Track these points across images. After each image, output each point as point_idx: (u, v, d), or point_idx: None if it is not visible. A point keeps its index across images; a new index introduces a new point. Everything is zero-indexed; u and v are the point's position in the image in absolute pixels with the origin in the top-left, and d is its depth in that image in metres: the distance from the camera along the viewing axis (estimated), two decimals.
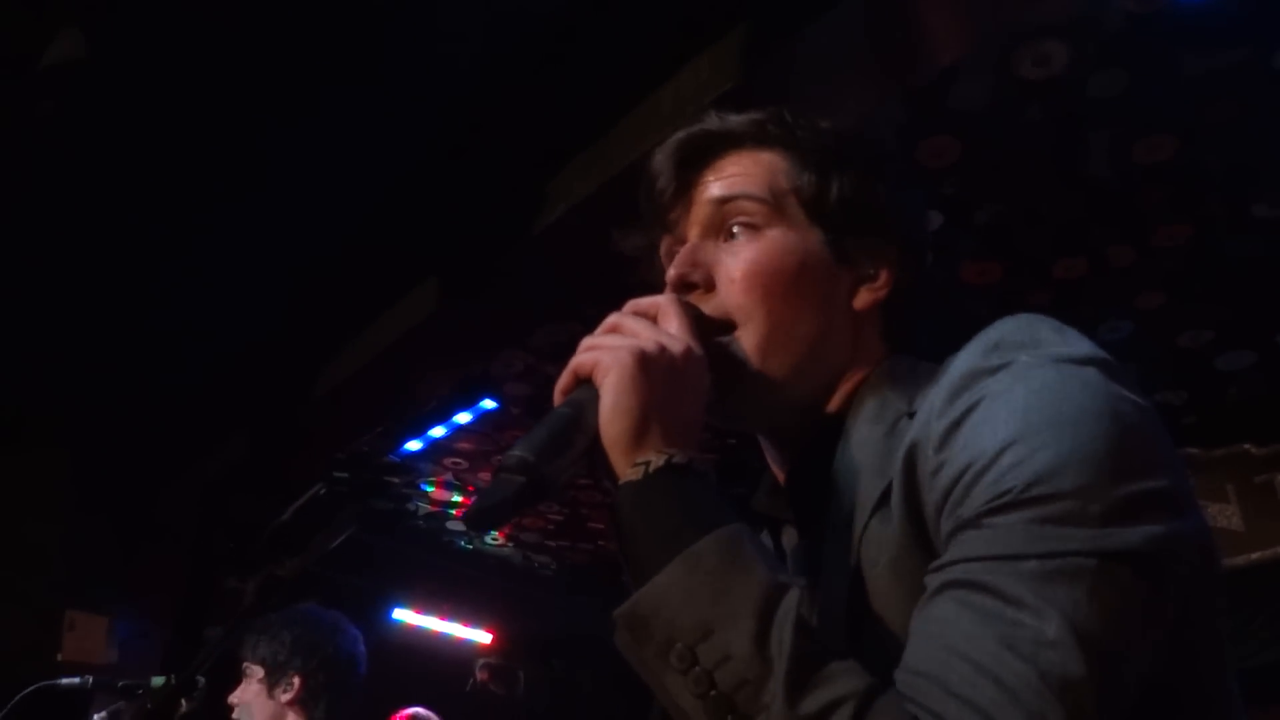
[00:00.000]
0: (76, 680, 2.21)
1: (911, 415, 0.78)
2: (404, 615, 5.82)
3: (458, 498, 5.29)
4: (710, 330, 0.85)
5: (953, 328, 0.90)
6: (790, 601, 0.64)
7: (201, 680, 1.37)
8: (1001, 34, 2.61)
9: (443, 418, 4.02)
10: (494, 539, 5.77)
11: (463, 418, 4.06)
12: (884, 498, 0.75)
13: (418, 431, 4.14)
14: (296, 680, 2.33)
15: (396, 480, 5.08)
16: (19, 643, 3.97)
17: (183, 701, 1.17)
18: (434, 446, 4.51)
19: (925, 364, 0.86)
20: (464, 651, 6.04)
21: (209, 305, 3.48)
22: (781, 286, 0.87)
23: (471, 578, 5.98)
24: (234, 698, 2.31)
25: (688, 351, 0.77)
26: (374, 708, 4.00)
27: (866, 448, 0.80)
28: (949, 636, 0.61)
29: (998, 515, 0.63)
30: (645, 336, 0.77)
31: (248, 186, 3.08)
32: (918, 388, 0.81)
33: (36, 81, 2.38)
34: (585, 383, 0.76)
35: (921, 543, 0.70)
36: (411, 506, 5.41)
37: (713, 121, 0.95)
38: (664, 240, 0.97)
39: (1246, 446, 3.99)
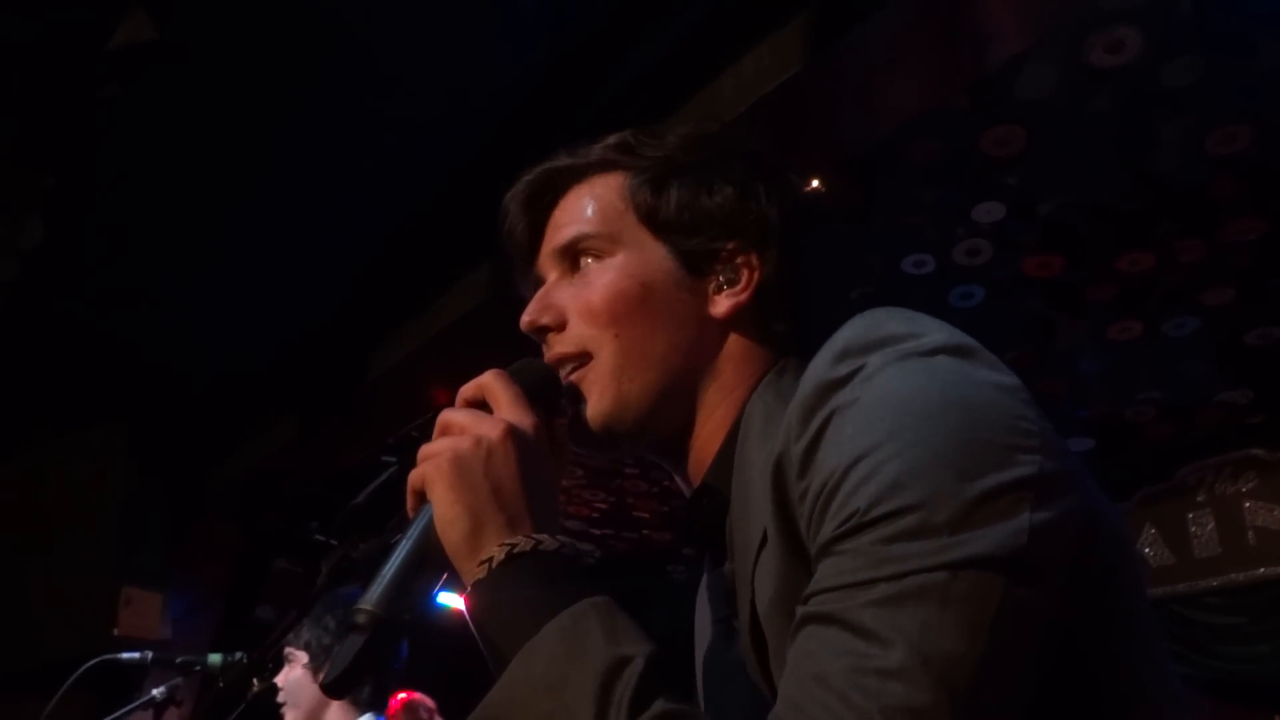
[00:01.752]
0: (136, 655, 2.24)
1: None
2: (449, 599, 5.87)
3: None
4: (553, 382, 0.84)
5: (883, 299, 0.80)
6: (631, 672, 0.61)
7: (269, 663, 1.37)
8: (1072, 20, 2.55)
9: None
10: None
11: None
12: (765, 536, 0.71)
13: None
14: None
15: None
16: (75, 615, 4.06)
17: (254, 681, 1.17)
18: None
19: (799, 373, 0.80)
20: None
21: (266, 287, 3.52)
22: (625, 309, 0.84)
23: None
24: (280, 681, 2.31)
25: (507, 432, 0.74)
26: (422, 691, 4.04)
27: (756, 469, 0.76)
28: (803, 674, 0.59)
29: (846, 540, 0.60)
30: (466, 433, 0.74)
31: (307, 170, 3.10)
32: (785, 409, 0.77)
33: (104, 63, 2.41)
34: (427, 501, 0.74)
35: (807, 573, 0.65)
36: None
37: (559, 160, 0.92)
38: (533, 283, 0.93)
39: None
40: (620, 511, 5.45)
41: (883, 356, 0.65)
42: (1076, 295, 3.48)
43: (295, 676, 2.30)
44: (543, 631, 0.64)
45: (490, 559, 0.69)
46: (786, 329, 0.85)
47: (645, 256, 0.86)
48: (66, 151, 2.94)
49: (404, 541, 0.74)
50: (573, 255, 0.87)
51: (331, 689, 0.69)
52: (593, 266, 0.86)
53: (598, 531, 5.73)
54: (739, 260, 0.85)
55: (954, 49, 2.46)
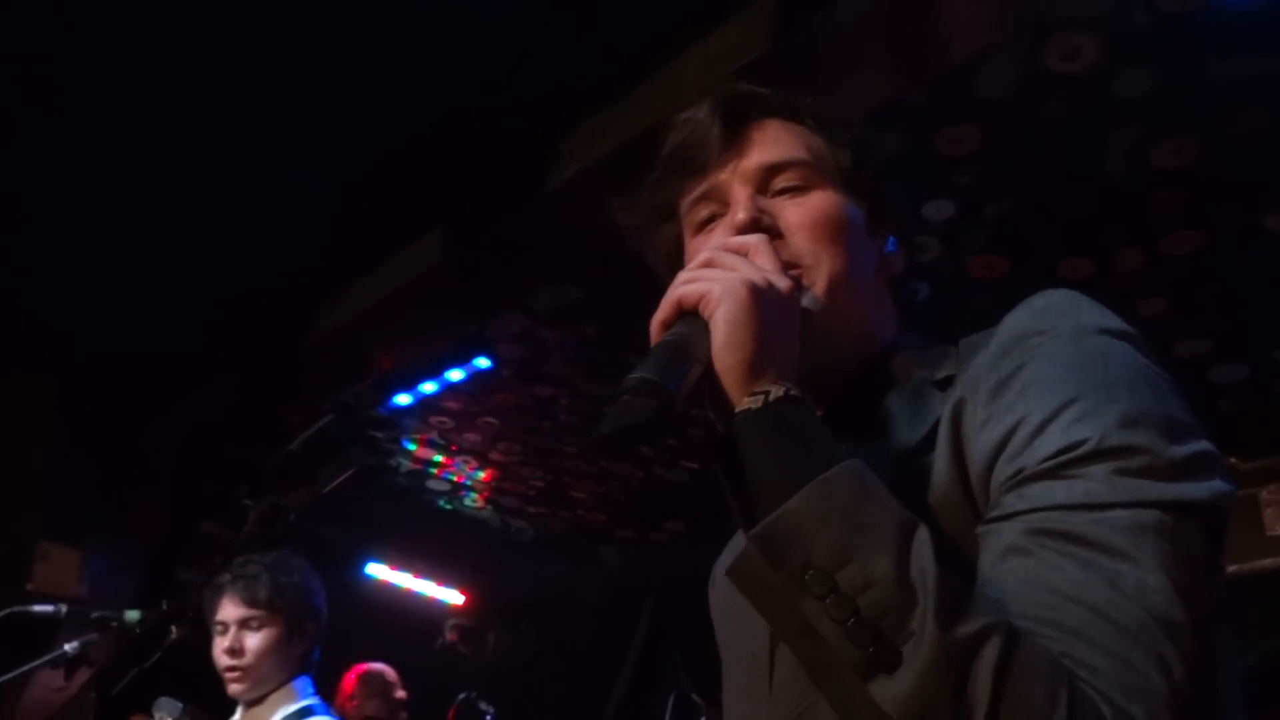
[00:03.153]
0: (50, 608, 2.17)
1: (935, 383, 0.83)
2: (377, 571, 5.80)
3: (439, 457, 5.27)
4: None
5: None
6: (924, 533, 0.64)
7: (190, 611, 1.34)
8: (1032, 23, 2.58)
9: (435, 373, 3.98)
10: (474, 501, 5.75)
11: (455, 375, 4.03)
12: (924, 444, 0.78)
13: (409, 385, 4.10)
14: (313, 630, 2.34)
15: (381, 435, 5.04)
16: None
17: (172, 629, 1.14)
18: (422, 403, 4.47)
19: (934, 344, 0.92)
20: (434, 610, 6.03)
21: (206, 242, 3.43)
22: (843, 240, 0.90)
23: (447, 538, 5.97)
24: (236, 644, 2.24)
25: (791, 288, 0.79)
26: (341, 662, 3.99)
27: (893, 404, 0.85)
28: (1055, 582, 0.62)
29: (1075, 466, 0.65)
30: (751, 270, 0.77)
31: (253, 122, 3.02)
32: (935, 361, 0.87)
33: None
34: (689, 315, 0.75)
35: (963, 486, 0.74)
36: (393, 463, 5.38)
37: (744, 87, 0.98)
38: (698, 197, 0.95)
39: (1233, 460, 4.01)
40: (556, 490, 5.43)
41: (1078, 324, 0.74)
42: (1019, 297, 3.52)
43: (266, 643, 2.24)
44: (835, 470, 0.66)
45: (767, 393, 0.72)
46: (907, 311, 0.98)
47: (847, 203, 0.93)
48: None
49: (671, 338, 0.74)
50: (774, 176, 0.92)
51: (613, 437, 0.68)
52: (805, 192, 0.92)
53: (533, 510, 5.71)
54: (890, 247, 0.99)
55: (917, 41, 2.48)
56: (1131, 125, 2.86)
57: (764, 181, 0.92)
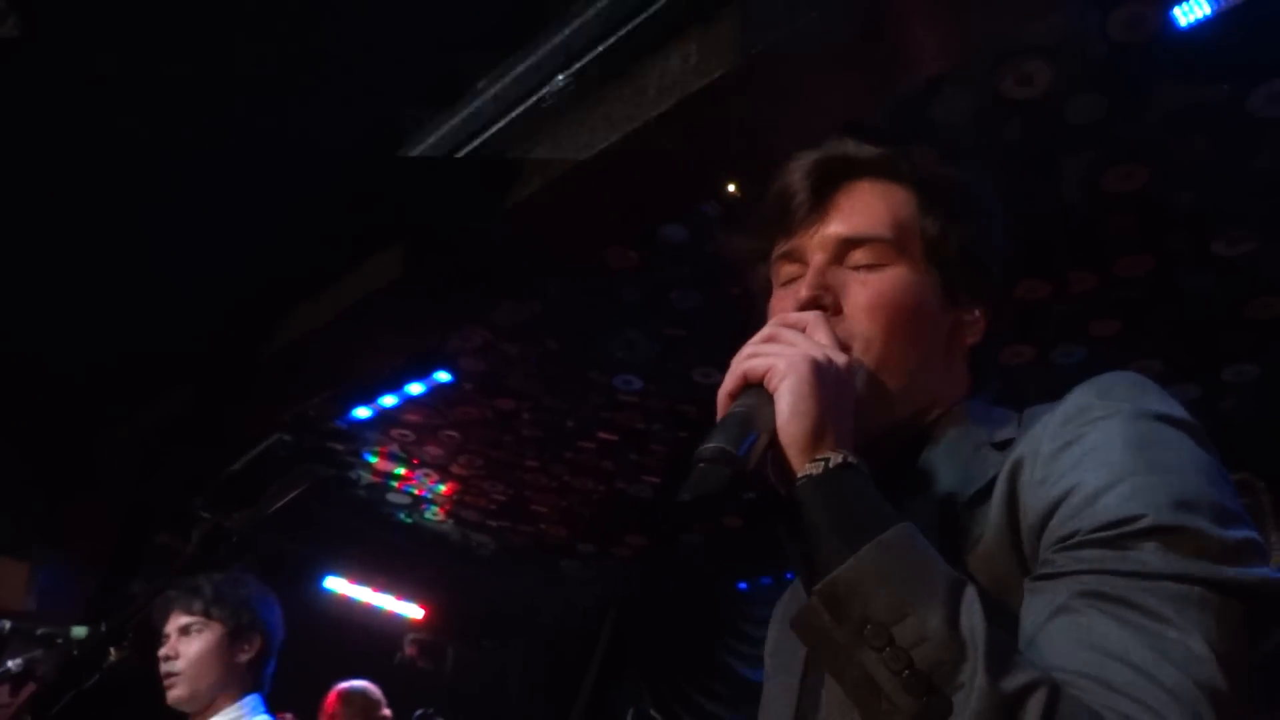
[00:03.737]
0: None
1: (995, 445, 0.88)
2: (336, 584, 5.74)
3: (401, 469, 5.23)
4: None
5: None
6: (972, 593, 0.69)
7: (130, 632, 1.32)
8: (988, 49, 2.63)
9: (395, 386, 3.96)
10: (435, 515, 5.71)
11: (415, 388, 4.01)
12: (976, 499, 0.83)
13: (368, 398, 4.07)
14: (257, 642, 2.31)
15: (340, 447, 5.00)
16: None
17: (111, 651, 1.12)
18: (382, 416, 4.45)
19: (999, 408, 0.97)
20: (394, 625, 5.97)
21: (163, 247, 3.39)
22: (902, 320, 0.94)
23: (408, 551, 5.92)
24: (172, 651, 2.23)
25: (849, 364, 0.85)
26: (298, 676, 3.94)
27: (946, 465, 0.90)
28: (1102, 642, 0.67)
29: (1130, 539, 0.70)
30: (811, 346, 0.83)
31: (215, 132, 2.99)
32: (996, 424, 0.91)
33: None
34: (754, 387, 0.82)
35: (1012, 540, 0.79)
36: (354, 475, 5.34)
37: (849, 147, 1.01)
38: (782, 254, 1.02)
39: None
40: (518, 504, 5.41)
41: (1142, 406, 0.78)
42: None
43: (203, 649, 2.23)
44: (890, 533, 0.72)
45: (828, 459, 0.78)
46: (977, 374, 1.01)
47: (921, 278, 0.96)
48: None
49: (738, 409, 0.80)
50: (852, 249, 0.96)
51: (691, 508, 0.73)
52: (877, 269, 0.96)
53: (494, 523, 5.68)
54: (977, 310, 1.01)
55: (877, 65, 2.51)
56: (1084, 151, 2.92)
57: (841, 252, 0.97)
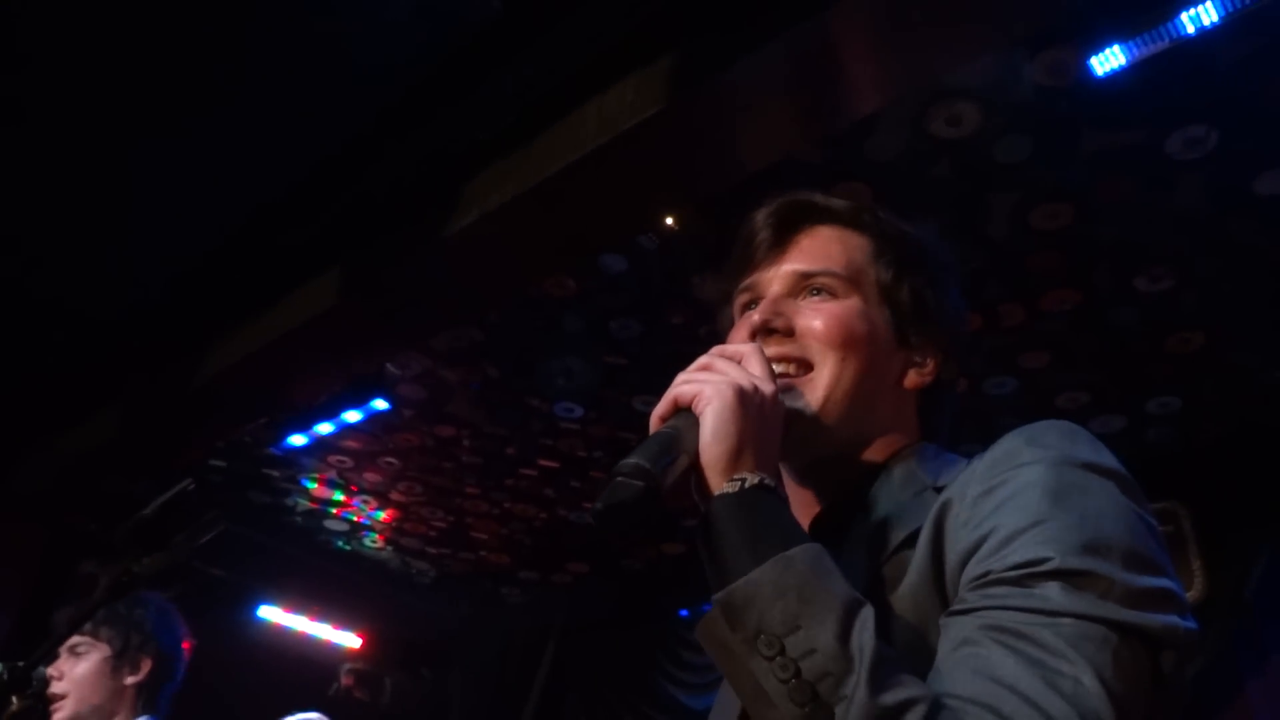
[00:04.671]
0: None
1: (936, 489, 0.91)
2: (270, 613, 5.62)
3: (340, 495, 5.16)
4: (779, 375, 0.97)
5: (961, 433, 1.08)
6: (867, 612, 0.73)
7: (40, 674, 1.27)
8: (920, 91, 2.70)
9: (331, 414, 3.91)
10: (373, 542, 5.63)
11: (352, 416, 3.96)
12: (910, 539, 0.87)
13: (303, 426, 4.02)
14: (147, 664, 2.22)
15: (277, 474, 4.92)
16: None
17: (14, 699, 1.08)
18: (319, 443, 4.39)
19: (950, 454, 1.00)
20: (330, 655, 5.87)
21: (91, 268, 3.31)
22: (853, 344, 0.99)
23: (345, 579, 5.83)
24: (57, 672, 2.15)
25: (774, 393, 0.89)
26: (228, 708, 3.85)
27: (890, 504, 0.93)
28: (997, 672, 0.69)
29: (1035, 580, 0.73)
30: (740, 375, 0.87)
31: (149, 150, 2.94)
32: (943, 469, 0.95)
33: None
34: (684, 411, 0.86)
35: (936, 581, 0.82)
36: (290, 502, 5.25)
37: (814, 196, 1.09)
38: (743, 289, 1.07)
39: None
40: (458, 531, 5.36)
41: (1068, 454, 0.81)
42: None
43: (88, 670, 2.16)
44: (795, 550, 0.75)
45: (744, 480, 0.81)
46: (931, 416, 1.05)
47: (873, 312, 1.02)
48: None
49: (665, 430, 0.84)
50: (810, 282, 1.02)
51: (602, 517, 0.76)
52: (830, 299, 1.01)
53: (434, 551, 5.62)
54: (929, 354, 1.04)
55: (812, 104, 2.56)
56: (1012, 189, 3.01)
57: (797, 285, 1.03)
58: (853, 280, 1.02)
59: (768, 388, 0.88)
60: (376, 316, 3.05)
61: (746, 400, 0.85)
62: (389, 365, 3.88)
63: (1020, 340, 3.59)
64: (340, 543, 5.69)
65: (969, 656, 0.72)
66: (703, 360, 0.91)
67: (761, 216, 1.06)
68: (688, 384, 0.87)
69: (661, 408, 0.87)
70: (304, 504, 5.27)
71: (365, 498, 5.14)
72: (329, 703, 5.63)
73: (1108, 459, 0.82)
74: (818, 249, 1.04)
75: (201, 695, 2.57)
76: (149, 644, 2.24)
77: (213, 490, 4.96)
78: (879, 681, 0.68)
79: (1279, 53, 2.55)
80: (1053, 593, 0.72)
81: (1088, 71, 2.49)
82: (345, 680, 5.71)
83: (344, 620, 5.91)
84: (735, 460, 0.82)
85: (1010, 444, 0.85)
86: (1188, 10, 2.25)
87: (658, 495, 0.79)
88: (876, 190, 3.03)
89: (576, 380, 3.98)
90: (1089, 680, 0.68)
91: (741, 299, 1.07)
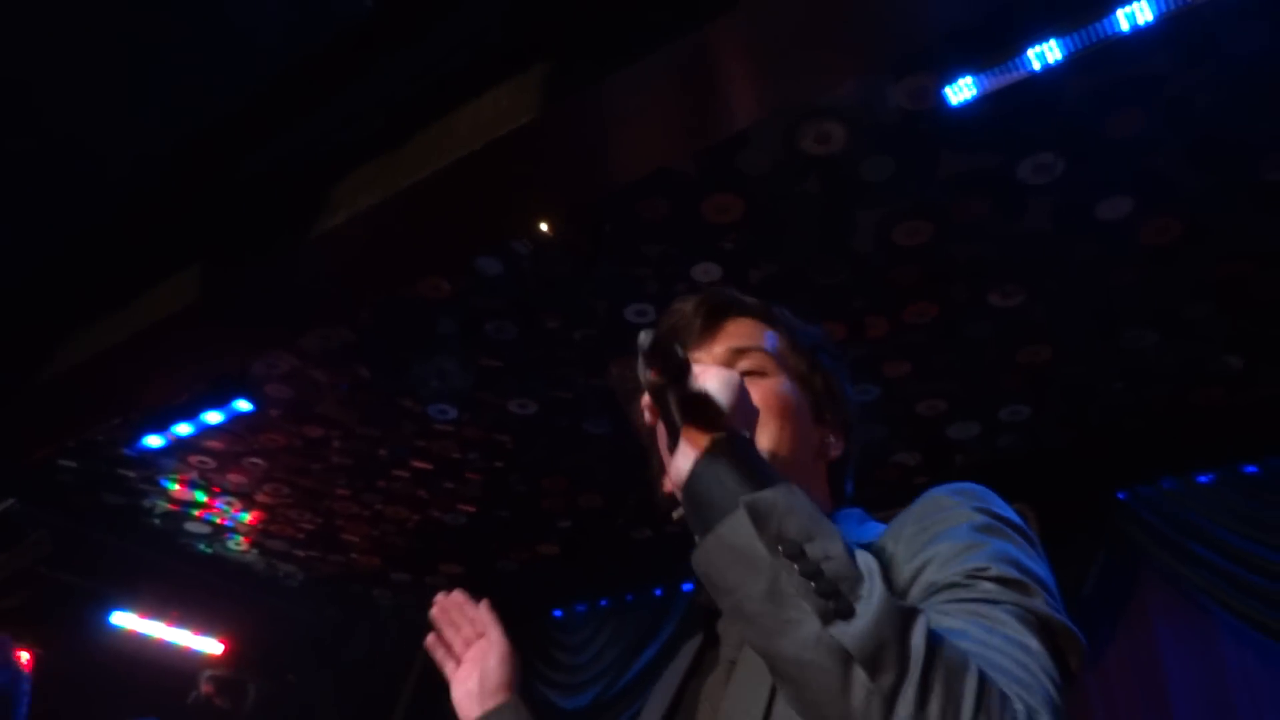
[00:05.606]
0: None
1: (862, 546, 0.98)
2: (124, 620, 5.37)
3: (202, 497, 4.97)
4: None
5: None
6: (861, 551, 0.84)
7: None
8: (792, 108, 2.78)
9: (189, 415, 3.76)
10: (238, 545, 5.45)
11: (213, 417, 3.82)
12: None
13: (159, 426, 3.85)
14: None
15: (133, 474, 4.70)
16: None
17: None
18: (179, 443, 4.22)
19: (871, 520, 1.10)
20: (189, 662, 5.63)
21: None
22: (788, 421, 1.09)
23: (207, 584, 5.61)
24: None
25: (757, 411, 1.00)
26: None
27: None
28: (954, 626, 0.81)
29: (978, 579, 0.86)
30: (734, 373, 0.97)
31: (1, 137, 2.78)
32: (866, 531, 1.04)
33: None
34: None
35: None
36: (148, 503, 5.03)
37: (734, 294, 1.21)
38: None
39: None
40: (327, 533, 5.24)
41: (985, 506, 0.95)
42: None
43: None
44: (791, 484, 0.86)
45: (734, 430, 0.90)
46: (840, 490, 1.18)
47: (798, 390, 1.14)
48: None
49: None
50: (743, 358, 1.13)
51: (656, 345, 0.86)
52: (762, 377, 1.12)
53: (302, 553, 5.48)
54: (838, 432, 1.17)
55: (686, 118, 2.60)
56: (876, 206, 3.13)
57: (730, 362, 1.12)
58: (779, 361, 1.14)
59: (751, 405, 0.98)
60: (239, 315, 2.95)
61: (744, 392, 0.94)
62: (254, 364, 3.76)
63: (883, 350, 3.74)
64: (202, 545, 5.48)
65: (938, 626, 0.81)
66: (703, 366, 0.98)
67: (691, 307, 1.16)
68: (700, 372, 0.94)
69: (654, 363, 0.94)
70: (163, 506, 5.06)
71: (229, 499, 4.97)
72: (187, 712, 5.42)
73: (1014, 516, 0.96)
74: (745, 333, 1.16)
75: (48, 708, 2.45)
76: None
77: (62, 491, 4.71)
78: (889, 591, 0.78)
79: (1119, 89, 2.73)
80: (993, 588, 0.85)
81: (943, 100, 2.61)
82: (205, 688, 5.49)
83: (205, 626, 5.68)
84: (734, 411, 0.90)
85: (937, 493, 0.98)
86: (1034, 48, 2.38)
87: (687, 371, 0.89)
88: (748, 203, 3.10)
89: (450, 382, 3.94)
90: (1032, 642, 0.81)
91: None
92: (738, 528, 0.81)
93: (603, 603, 5.40)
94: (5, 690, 2.17)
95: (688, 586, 4.81)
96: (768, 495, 0.82)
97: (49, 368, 3.38)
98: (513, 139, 2.30)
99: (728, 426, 0.89)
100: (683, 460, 0.89)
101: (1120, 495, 4.20)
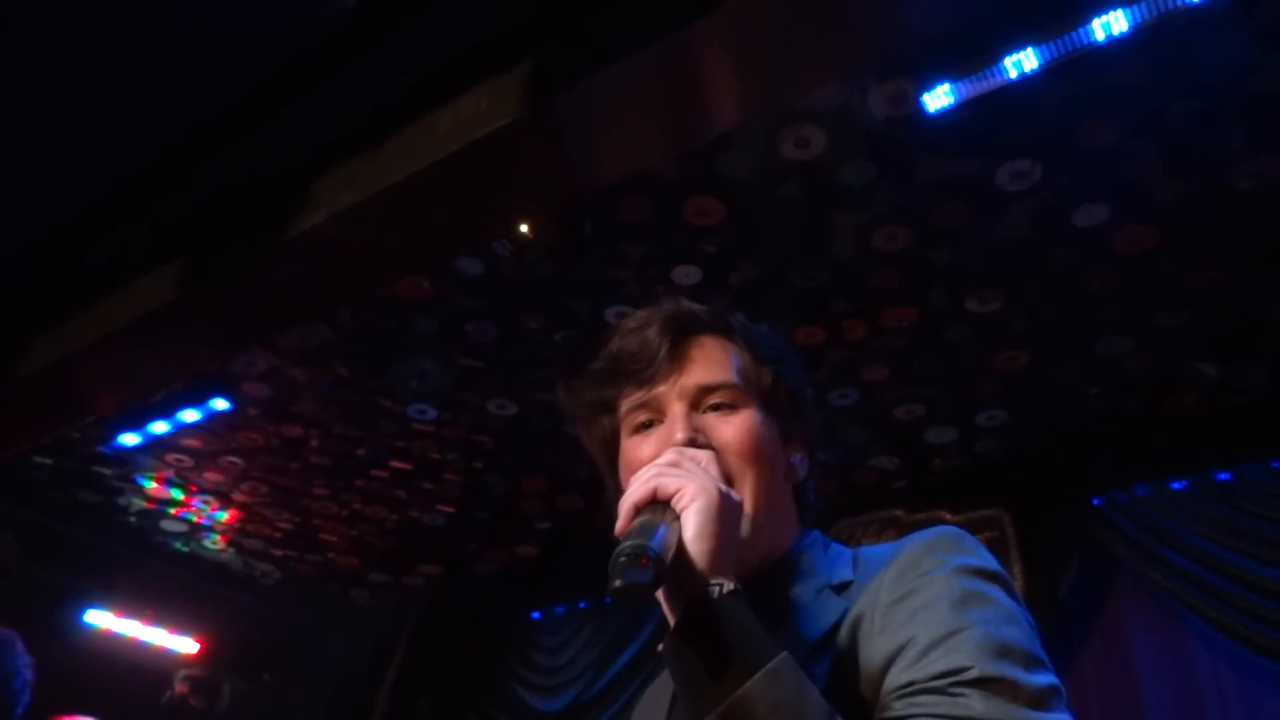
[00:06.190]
0: None
1: (834, 587, 0.99)
2: (99, 618, 5.33)
3: (179, 495, 4.94)
4: None
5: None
6: None
7: None
8: (772, 113, 2.79)
9: (166, 413, 3.74)
10: (215, 543, 5.42)
11: (190, 415, 3.80)
12: (822, 642, 0.94)
13: (136, 424, 3.83)
14: None
15: (109, 472, 4.67)
16: None
17: None
18: (155, 441, 4.19)
19: (835, 544, 1.09)
20: (164, 661, 5.60)
21: None
22: (764, 457, 1.05)
23: (183, 582, 5.58)
24: None
25: (740, 503, 0.96)
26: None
27: (794, 604, 1.00)
28: None
29: (958, 688, 0.83)
30: (716, 479, 0.93)
31: None
32: (834, 564, 1.03)
33: None
34: (661, 505, 0.89)
35: (854, 685, 0.89)
36: (123, 501, 4.99)
37: (689, 305, 1.14)
38: (635, 398, 1.10)
39: (943, 513, 4.41)
40: (305, 532, 5.22)
41: (962, 562, 0.92)
42: None
43: None
44: (777, 660, 0.82)
45: (720, 585, 0.86)
46: (805, 507, 1.13)
47: (766, 419, 1.08)
48: None
49: (651, 521, 0.87)
50: (711, 397, 1.07)
51: (621, 594, 0.80)
52: (732, 411, 1.06)
53: (279, 553, 5.45)
54: (803, 449, 1.13)
55: (668, 121, 2.60)
56: (855, 210, 3.14)
57: (698, 399, 1.07)
58: (746, 389, 1.08)
59: (735, 495, 0.95)
60: (217, 314, 2.93)
61: (727, 503, 0.90)
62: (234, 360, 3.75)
63: (862, 354, 3.75)
64: (178, 544, 5.45)
65: None
66: (670, 456, 0.95)
67: (654, 332, 1.10)
68: (667, 477, 0.90)
69: (638, 495, 0.90)
70: (139, 504, 5.02)
71: (206, 498, 4.94)
72: (161, 712, 5.38)
73: (991, 562, 0.94)
74: (710, 361, 1.10)
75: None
76: None
77: (37, 488, 4.67)
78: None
79: (1095, 98, 2.75)
80: (975, 699, 0.82)
81: (921, 107, 2.62)
82: (180, 687, 5.46)
83: (180, 625, 5.65)
84: (713, 563, 0.87)
85: (909, 552, 0.95)
86: (1011, 56, 2.40)
87: (664, 579, 0.83)
88: (729, 206, 3.11)
89: (430, 382, 3.93)
90: None
91: (637, 414, 1.09)
92: None
93: (581, 604, 5.39)
94: (22, 685, 2.15)
95: None
96: (747, 695, 0.80)
97: (23, 365, 3.36)
98: (493, 140, 2.30)
99: (714, 576, 0.87)
100: (670, 596, 0.89)
101: (1095, 501, 4.23)
